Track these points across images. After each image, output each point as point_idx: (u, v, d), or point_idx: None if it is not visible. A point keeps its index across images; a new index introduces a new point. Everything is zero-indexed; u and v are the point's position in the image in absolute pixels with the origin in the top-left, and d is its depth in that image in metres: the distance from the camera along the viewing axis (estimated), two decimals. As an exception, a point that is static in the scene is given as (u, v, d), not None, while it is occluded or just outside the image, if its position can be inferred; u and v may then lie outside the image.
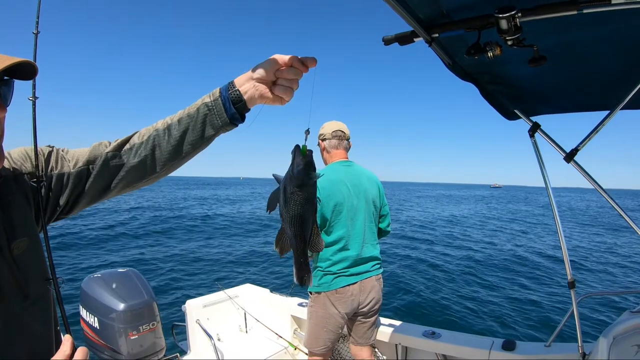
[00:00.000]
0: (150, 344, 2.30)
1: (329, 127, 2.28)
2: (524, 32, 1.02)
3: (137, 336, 2.23)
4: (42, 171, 0.80)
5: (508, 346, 2.23)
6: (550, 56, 1.19)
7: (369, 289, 2.19)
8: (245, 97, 0.79)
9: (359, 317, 2.26)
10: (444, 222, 18.78)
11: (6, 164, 0.77)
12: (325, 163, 2.33)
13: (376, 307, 2.25)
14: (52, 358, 0.67)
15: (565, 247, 1.93)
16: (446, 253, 10.09)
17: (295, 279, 0.80)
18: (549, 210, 2.08)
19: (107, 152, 0.83)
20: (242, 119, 0.82)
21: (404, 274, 7.86)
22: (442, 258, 9.47)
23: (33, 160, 0.80)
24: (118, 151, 0.84)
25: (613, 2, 0.92)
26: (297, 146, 0.72)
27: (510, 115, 2.00)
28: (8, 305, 0.68)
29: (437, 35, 1.20)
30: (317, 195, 1.97)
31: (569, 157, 1.76)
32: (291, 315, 3.12)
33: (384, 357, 2.56)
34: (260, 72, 0.77)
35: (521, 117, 1.96)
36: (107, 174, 0.83)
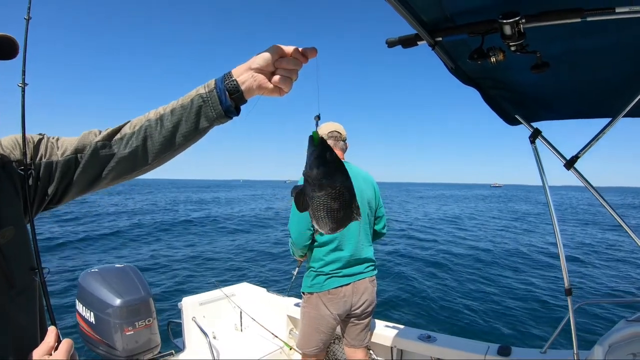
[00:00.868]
0: (145, 340, 2.29)
1: (325, 128, 2.28)
2: (528, 38, 1.02)
3: (132, 332, 2.22)
4: (31, 159, 0.78)
5: (503, 352, 2.23)
6: (553, 63, 1.19)
7: (362, 290, 2.18)
8: (242, 87, 0.77)
9: (352, 319, 2.25)
10: (444, 222, 18.76)
11: None
12: None
13: (369, 309, 2.24)
14: (36, 349, 0.66)
15: (563, 254, 1.93)
16: (445, 256, 10.09)
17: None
18: (552, 201, 2.08)
19: (97, 142, 0.81)
20: (238, 112, 0.80)
21: (402, 276, 7.86)
22: (440, 261, 9.46)
23: (22, 147, 0.78)
24: (108, 141, 0.81)
25: (617, 10, 0.92)
26: (310, 136, 0.73)
27: (512, 121, 2.01)
28: None
29: (440, 38, 1.21)
30: None
31: (569, 164, 1.76)
32: (287, 315, 3.11)
33: (379, 360, 2.56)
34: (259, 62, 0.75)
35: (522, 123, 1.96)
36: (97, 163, 0.81)
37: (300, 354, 2.28)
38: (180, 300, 3.06)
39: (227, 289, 3.32)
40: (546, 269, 8.64)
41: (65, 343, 0.67)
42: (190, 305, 3.00)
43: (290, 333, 3.12)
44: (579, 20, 0.97)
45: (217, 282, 3.40)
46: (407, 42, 1.25)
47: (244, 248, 11.22)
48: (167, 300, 5.98)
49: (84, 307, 2.31)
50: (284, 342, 2.93)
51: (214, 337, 3.01)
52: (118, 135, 0.82)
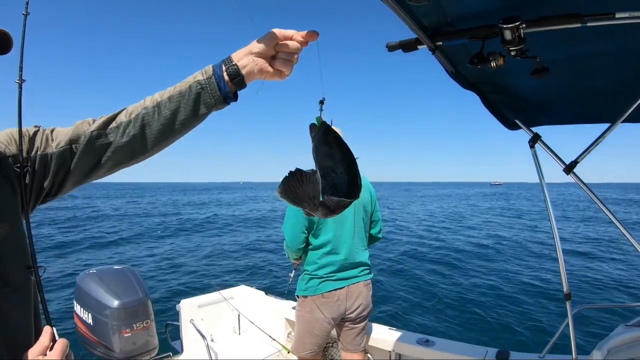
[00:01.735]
0: (143, 342, 2.29)
1: None
2: (528, 43, 1.03)
3: (130, 334, 2.22)
4: (27, 153, 0.77)
5: (502, 356, 2.23)
6: (553, 68, 1.20)
7: (356, 294, 2.17)
8: (243, 71, 0.76)
9: (346, 323, 2.24)
10: (443, 223, 18.72)
11: None
12: None
13: (364, 313, 2.23)
14: (30, 349, 0.65)
15: (562, 259, 1.93)
16: (445, 259, 10.07)
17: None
18: (552, 208, 2.08)
19: (92, 131, 0.79)
20: (236, 98, 0.80)
21: (401, 279, 7.85)
22: (440, 263, 9.45)
23: (18, 142, 0.77)
24: (103, 130, 0.80)
25: (617, 16, 0.93)
26: (311, 124, 0.74)
27: (511, 125, 2.01)
28: None
29: (440, 43, 1.21)
30: None
31: (569, 169, 1.76)
32: (285, 319, 3.10)
33: (377, 364, 2.55)
34: (260, 47, 0.75)
35: (522, 128, 1.96)
36: (93, 153, 0.80)
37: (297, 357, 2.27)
38: (179, 303, 3.05)
39: (226, 292, 3.31)
40: (545, 273, 8.63)
41: (60, 343, 0.66)
42: (188, 307, 2.99)
43: (288, 336, 3.11)
44: (579, 25, 0.97)
45: (215, 285, 3.39)
46: (408, 46, 1.26)
47: (243, 251, 11.20)
48: (165, 302, 5.96)
49: (81, 309, 2.31)
50: (281, 345, 2.92)
51: (212, 340, 2.99)
52: (114, 124, 0.80)
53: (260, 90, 0.81)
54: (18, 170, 0.76)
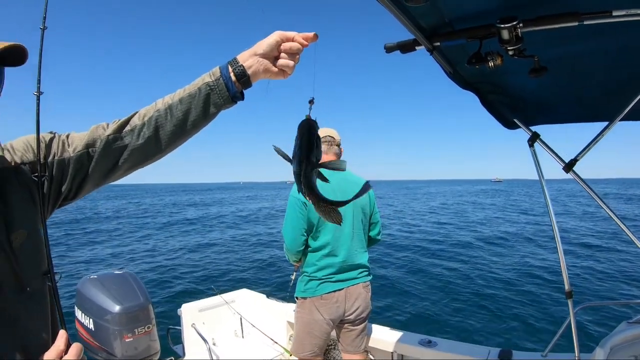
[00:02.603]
0: (145, 347, 2.28)
1: (319, 133, 2.26)
2: (525, 43, 1.03)
3: (132, 339, 2.21)
4: (44, 159, 0.79)
5: (504, 356, 2.22)
6: (551, 67, 1.20)
7: (355, 296, 2.17)
8: (249, 72, 0.82)
9: (345, 325, 2.24)
10: (443, 223, 18.70)
11: (7, 155, 0.77)
12: None
13: (363, 315, 2.23)
14: (45, 354, 0.66)
15: (563, 258, 1.93)
16: (445, 259, 10.06)
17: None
18: (553, 205, 2.09)
19: (108, 135, 0.82)
20: (242, 97, 0.85)
21: (400, 280, 7.83)
22: (439, 264, 9.44)
23: (35, 150, 0.79)
24: (119, 133, 0.83)
25: (614, 13, 0.93)
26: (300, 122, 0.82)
27: (510, 125, 2.01)
28: (5, 297, 0.67)
29: (438, 44, 1.21)
30: (304, 201, 1.97)
31: (568, 167, 1.77)
32: (287, 321, 3.10)
33: (380, 365, 2.55)
34: (264, 48, 0.80)
35: (521, 127, 1.96)
36: (111, 156, 0.83)
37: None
38: (180, 307, 3.04)
39: (227, 295, 3.31)
40: (546, 271, 8.62)
41: (75, 347, 0.67)
42: (189, 311, 2.99)
43: (290, 339, 3.10)
44: (576, 24, 0.97)
45: (216, 289, 3.38)
46: (406, 47, 1.26)
47: (244, 253, 11.18)
48: (166, 306, 5.95)
49: (82, 314, 2.30)
50: (284, 348, 2.91)
51: (214, 344, 2.99)
52: (128, 127, 0.84)
53: (269, 87, 0.87)
54: (36, 178, 0.78)
